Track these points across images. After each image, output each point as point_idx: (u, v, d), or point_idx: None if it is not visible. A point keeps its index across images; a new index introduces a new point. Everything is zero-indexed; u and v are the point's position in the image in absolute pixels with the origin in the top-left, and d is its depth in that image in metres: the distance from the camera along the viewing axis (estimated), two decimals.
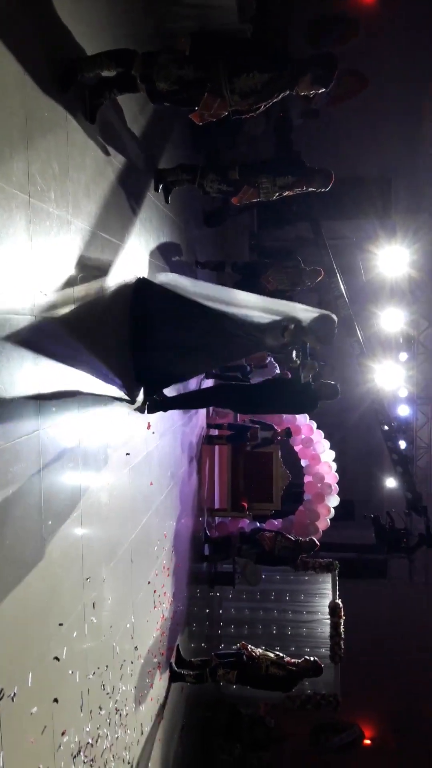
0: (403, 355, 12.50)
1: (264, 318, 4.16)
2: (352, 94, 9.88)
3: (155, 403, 4.75)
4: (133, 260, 4.38)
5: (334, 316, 4.33)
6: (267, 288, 7.42)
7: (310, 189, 5.21)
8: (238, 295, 4.57)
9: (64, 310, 3.09)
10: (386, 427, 11.02)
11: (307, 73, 3.36)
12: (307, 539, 7.76)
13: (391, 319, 11.65)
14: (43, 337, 2.84)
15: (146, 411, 4.67)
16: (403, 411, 12.35)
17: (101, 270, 3.67)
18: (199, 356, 4.44)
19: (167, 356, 4.33)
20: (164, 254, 5.34)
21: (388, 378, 11.17)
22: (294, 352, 4.63)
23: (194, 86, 3.33)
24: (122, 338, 4.07)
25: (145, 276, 4.41)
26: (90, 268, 3.45)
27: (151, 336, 4.23)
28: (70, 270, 3.16)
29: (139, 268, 4.58)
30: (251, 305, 4.32)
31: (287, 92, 3.46)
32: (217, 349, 4.42)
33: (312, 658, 6.11)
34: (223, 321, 4.14)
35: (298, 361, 4.71)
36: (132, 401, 4.31)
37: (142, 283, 4.36)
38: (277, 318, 4.15)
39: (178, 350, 4.31)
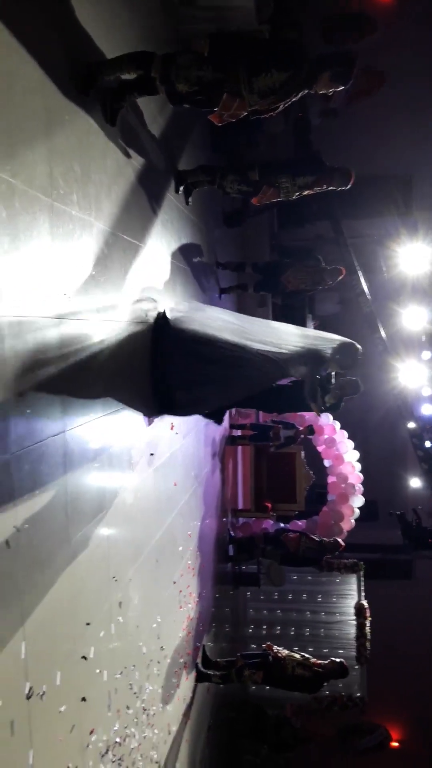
0: (426, 354, 12.35)
1: (283, 348, 4.19)
2: (370, 92, 9.82)
3: None
4: (154, 262, 4.40)
5: (358, 345, 4.34)
6: (287, 287, 7.41)
7: (330, 188, 5.20)
8: (255, 324, 4.58)
9: (88, 313, 3.11)
10: (412, 424, 10.90)
11: (325, 71, 3.36)
12: (332, 540, 7.72)
13: (414, 318, 11.52)
14: (67, 339, 2.87)
15: None
16: (427, 410, 12.21)
17: (123, 272, 3.69)
18: (220, 389, 4.41)
19: (188, 389, 4.31)
20: (185, 255, 5.37)
21: (412, 376, 11.05)
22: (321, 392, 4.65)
23: (213, 87, 3.34)
24: (143, 363, 4.09)
25: (165, 312, 4.37)
26: (112, 270, 3.47)
27: (172, 371, 4.23)
28: (93, 272, 3.18)
29: (161, 269, 4.61)
30: (269, 334, 4.33)
31: (306, 91, 3.45)
32: (240, 381, 4.39)
33: (338, 660, 6.08)
34: (244, 354, 4.14)
35: (326, 401, 4.69)
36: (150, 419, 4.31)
37: (161, 321, 4.32)
38: (297, 349, 4.19)
39: (199, 383, 4.30)
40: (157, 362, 4.18)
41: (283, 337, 4.35)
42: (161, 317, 4.31)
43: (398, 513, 10.79)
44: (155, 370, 4.18)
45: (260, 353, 4.12)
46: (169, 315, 4.32)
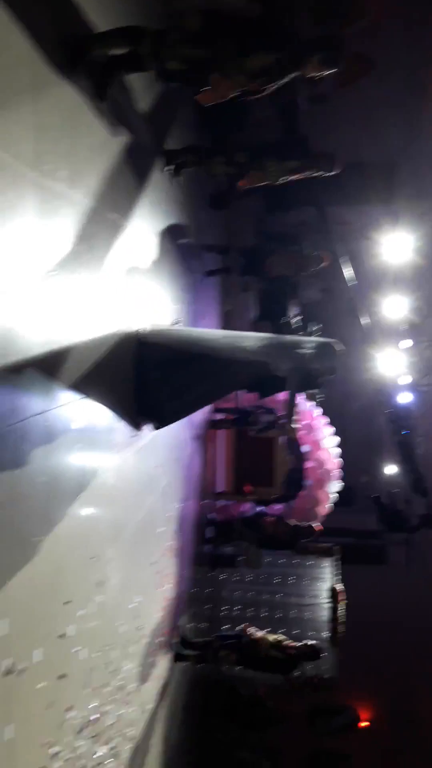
0: (405, 343, 12.48)
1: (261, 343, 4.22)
2: (358, 78, 9.77)
3: None
4: (140, 241, 4.37)
5: (339, 345, 4.22)
6: (272, 273, 7.41)
7: (317, 173, 5.19)
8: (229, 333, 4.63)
9: (73, 290, 3.08)
10: (389, 410, 11.07)
11: (315, 54, 3.34)
12: (306, 525, 7.80)
13: (394, 307, 11.61)
14: (52, 317, 2.84)
15: None
16: (403, 398, 12.36)
17: (111, 250, 3.66)
18: (205, 385, 4.40)
19: (172, 392, 4.31)
20: (171, 236, 5.33)
21: (390, 365, 11.16)
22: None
23: (203, 66, 3.30)
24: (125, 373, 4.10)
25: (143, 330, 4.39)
26: (99, 249, 3.44)
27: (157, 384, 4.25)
28: (79, 249, 3.15)
29: (148, 249, 4.57)
30: (251, 339, 4.35)
31: (295, 73, 3.43)
32: (223, 378, 4.39)
33: (311, 642, 6.18)
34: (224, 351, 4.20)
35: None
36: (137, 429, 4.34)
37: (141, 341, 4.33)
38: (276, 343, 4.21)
39: (183, 385, 4.30)
40: (142, 377, 4.21)
41: (258, 338, 4.37)
42: (139, 335, 4.30)
43: (374, 496, 10.99)
44: (139, 381, 4.21)
45: (240, 348, 4.15)
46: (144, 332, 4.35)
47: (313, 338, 4.32)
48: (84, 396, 3.27)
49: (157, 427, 4.46)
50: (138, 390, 4.22)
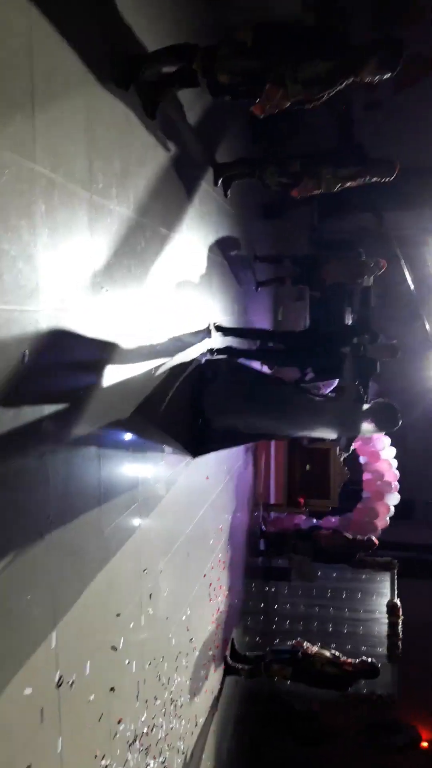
0: None
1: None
2: (416, 80, 9.55)
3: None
4: (191, 255, 4.39)
5: (395, 405, 4.35)
6: (326, 281, 7.29)
7: (374, 179, 5.08)
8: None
9: (127, 303, 3.12)
10: None
11: (372, 56, 3.25)
12: (365, 537, 7.62)
13: None
14: (106, 329, 2.88)
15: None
16: None
17: (162, 265, 3.69)
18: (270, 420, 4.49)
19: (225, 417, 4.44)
20: (222, 248, 5.33)
21: None
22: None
23: (256, 78, 3.28)
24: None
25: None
26: (150, 264, 3.47)
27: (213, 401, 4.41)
28: (131, 265, 3.19)
29: (198, 262, 4.59)
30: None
31: (351, 79, 3.36)
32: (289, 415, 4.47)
33: (369, 659, 6.01)
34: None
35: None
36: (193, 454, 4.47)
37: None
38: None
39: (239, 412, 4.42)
40: (201, 396, 4.35)
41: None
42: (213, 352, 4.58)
43: None
44: (196, 402, 4.34)
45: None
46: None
47: (374, 405, 4.37)
48: (138, 418, 3.30)
49: (194, 455, 4.53)
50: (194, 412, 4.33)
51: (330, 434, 4.52)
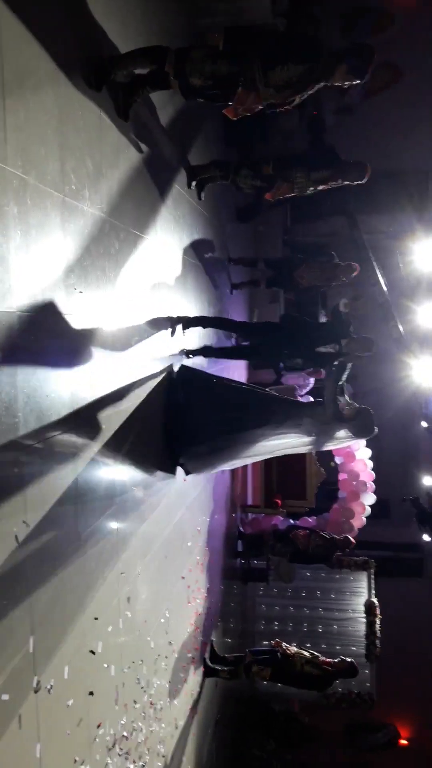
0: None
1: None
2: (386, 86, 9.72)
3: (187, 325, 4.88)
4: (165, 258, 4.39)
5: (370, 411, 4.45)
6: (300, 284, 7.36)
7: (346, 182, 5.14)
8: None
9: (99, 307, 3.11)
10: (425, 423, 10.85)
11: (342, 63, 3.30)
12: (342, 537, 7.68)
13: (429, 315, 11.42)
14: (79, 331, 2.87)
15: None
16: None
17: (136, 267, 3.69)
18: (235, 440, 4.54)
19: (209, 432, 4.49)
20: (197, 251, 5.35)
21: (426, 374, 10.96)
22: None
23: (228, 81, 3.30)
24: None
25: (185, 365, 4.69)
26: (124, 266, 3.47)
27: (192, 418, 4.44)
28: (105, 267, 3.18)
29: (173, 265, 4.60)
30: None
31: (322, 84, 3.40)
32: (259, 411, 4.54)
33: (348, 659, 6.06)
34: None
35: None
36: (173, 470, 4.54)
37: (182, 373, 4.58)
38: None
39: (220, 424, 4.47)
40: (174, 415, 4.36)
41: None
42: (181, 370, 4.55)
43: (412, 498, 10.70)
44: (170, 422, 4.36)
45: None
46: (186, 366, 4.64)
47: (349, 413, 4.42)
48: (113, 422, 3.29)
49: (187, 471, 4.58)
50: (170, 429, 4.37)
51: (304, 449, 4.65)
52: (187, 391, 4.41)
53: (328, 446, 4.80)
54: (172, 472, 4.57)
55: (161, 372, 4.26)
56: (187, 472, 4.64)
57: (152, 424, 4.07)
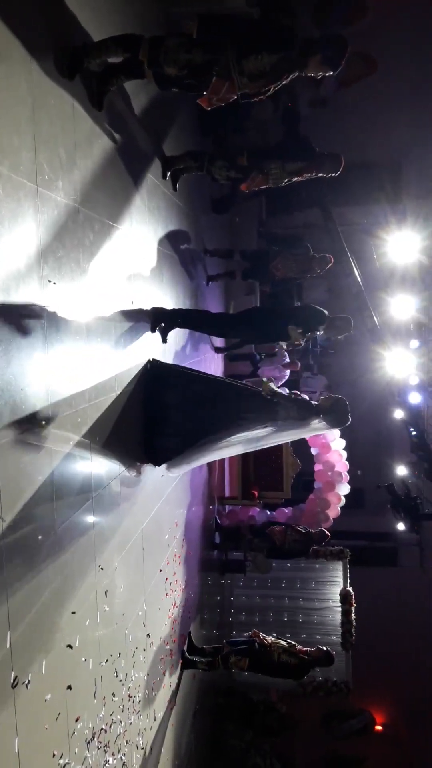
0: (414, 343, 12.40)
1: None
2: (360, 78, 9.73)
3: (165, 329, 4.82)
4: (140, 249, 4.36)
5: (345, 401, 4.44)
6: (276, 275, 7.38)
7: (320, 174, 5.16)
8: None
9: (73, 299, 3.07)
10: (401, 413, 10.99)
11: (316, 53, 3.30)
12: (318, 531, 7.74)
13: (402, 306, 11.55)
14: (54, 324, 2.83)
15: (162, 340, 4.80)
16: (414, 399, 12.27)
17: (111, 259, 3.65)
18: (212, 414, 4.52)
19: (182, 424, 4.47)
20: (172, 242, 5.32)
21: (399, 365, 11.09)
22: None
23: (202, 70, 3.27)
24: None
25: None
26: (99, 257, 3.43)
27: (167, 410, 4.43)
28: (79, 258, 3.14)
29: (148, 256, 4.56)
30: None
31: (296, 73, 3.40)
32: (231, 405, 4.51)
33: (324, 648, 6.13)
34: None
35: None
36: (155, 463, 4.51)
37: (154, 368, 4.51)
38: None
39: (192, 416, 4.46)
40: (149, 411, 4.33)
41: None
42: (152, 364, 4.48)
43: (387, 485, 10.84)
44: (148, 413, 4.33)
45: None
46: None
47: (324, 402, 4.43)
48: (88, 415, 3.27)
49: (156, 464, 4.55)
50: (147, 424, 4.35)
51: (281, 441, 4.71)
52: (159, 388, 4.38)
53: (303, 435, 4.81)
54: (155, 465, 4.55)
55: (138, 365, 4.24)
56: (166, 467, 4.62)
57: (130, 418, 4.04)
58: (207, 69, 3.24)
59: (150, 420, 4.36)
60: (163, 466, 4.55)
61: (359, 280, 10.02)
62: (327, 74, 3.44)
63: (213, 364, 7.92)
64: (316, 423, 4.40)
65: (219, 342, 8.11)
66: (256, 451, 8.44)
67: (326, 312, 5.02)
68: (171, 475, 4.78)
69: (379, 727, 12.14)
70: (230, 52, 3.18)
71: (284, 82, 3.43)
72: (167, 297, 5.15)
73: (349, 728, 10.90)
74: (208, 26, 3.26)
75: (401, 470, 12.42)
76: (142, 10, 4.39)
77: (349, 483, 9.36)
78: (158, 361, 4.60)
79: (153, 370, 4.45)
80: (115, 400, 3.74)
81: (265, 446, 4.76)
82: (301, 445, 9.45)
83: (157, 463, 4.52)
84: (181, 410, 4.43)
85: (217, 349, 8.12)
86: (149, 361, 4.48)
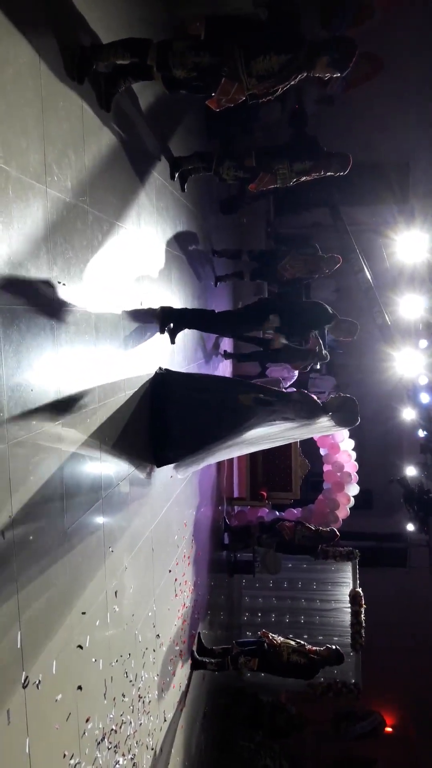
0: (423, 342, 12.36)
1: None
2: (367, 79, 9.72)
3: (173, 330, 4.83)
4: (149, 250, 4.37)
5: (355, 400, 4.45)
6: (284, 276, 7.36)
7: (328, 174, 5.14)
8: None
9: (84, 299, 3.08)
10: (411, 412, 10.96)
11: (324, 55, 3.30)
12: (327, 529, 7.74)
13: (411, 306, 11.51)
14: (64, 325, 2.84)
15: (171, 341, 4.82)
16: (423, 399, 12.22)
17: (120, 259, 3.66)
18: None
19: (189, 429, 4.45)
20: (181, 243, 5.32)
21: (408, 365, 11.05)
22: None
23: (211, 72, 3.28)
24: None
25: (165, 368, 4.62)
26: (108, 258, 3.44)
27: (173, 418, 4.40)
28: (88, 259, 3.15)
29: (157, 257, 4.57)
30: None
31: (304, 74, 3.40)
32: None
33: (334, 647, 6.12)
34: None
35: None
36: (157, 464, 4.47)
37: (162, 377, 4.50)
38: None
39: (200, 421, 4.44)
40: (158, 413, 4.32)
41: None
42: (161, 372, 4.48)
43: (398, 478, 10.80)
44: (155, 420, 4.31)
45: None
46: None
47: (333, 401, 4.42)
48: (98, 415, 3.27)
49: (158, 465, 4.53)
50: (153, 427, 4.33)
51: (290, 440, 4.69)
52: (168, 393, 4.37)
53: (312, 435, 4.79)
54: (157, 467, 4.55)
55: (147, 367, 4.24)
56: (172, 466, 4.61)
57: (139, 420, 4.04)
58: (215, 71, 3.25)
59: (157, 423, 4.35)
60: (171, 466, 4.54)
61: (369, 276, 9.99)
62: (334, 75, 3.44)
63: (221, 365, 7.92)
64: (324, 422, 4.38)
65: (228, 346, 8.06)
66: (264, 451, 8.52)
67: (331, 311, 5.02)
68: (179, 476, 4.78)
69: (389, 729, 12.08)
70: (238, 53, 3.19)
71: (292, 83, 3.43)
72: (176, 298, 5.15)
73: (359, 730, 10.84)
74: (216, 28, 3.27)
75: (410, 471, 12.37)
76: (149, 11, 4.40)
77: (358, 483, 9.34)
78: (167, 369, 4.59)
79: (161, 377, 4.45)
80: (126, 403, 3.75)
81: (274, 445, 4.74)
82: (310, 446, 9.44)
83: (164, 464, 4.52)
84: (189, 414, 4.42)
85: (226, 354, 8.08)
86: (159, 368, 4.48)
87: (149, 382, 4.25)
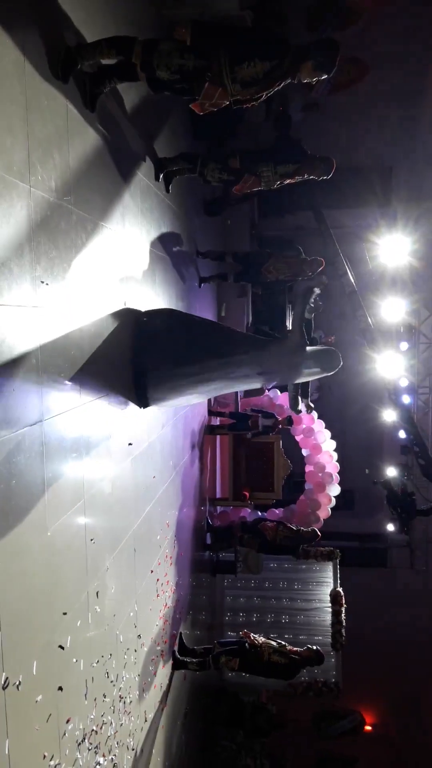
0: (404, 345, 12.48)
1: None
2: (353, 82, 9.79)
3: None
4: (133, 250, 4.37)
5: (338, 353, 4.53)
6: (268, 278, 7.40)
7: (311, 177, 5.18)
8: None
9: (66, 301, 3.08)
10: (392, 413, 11.04)
11: (308, 59, 3.32)
12: (309, 529, 7.79)
13: (392, 309, 11.62)
14: (45, 327, 2.84)
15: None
16: (405, 400, 12.34)
17: (104, 260, 3.66)
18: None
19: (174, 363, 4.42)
20: (165, 244, 5.33)
21: (389, 367, 11.15)
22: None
23: (195, 75, 3.29)
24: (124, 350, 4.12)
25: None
26: (90, 258, 3.44)
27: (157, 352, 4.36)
28: (71, 259, 3.15)
29: (141, 258, 4.57)
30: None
31: (289, 80, 3.42)
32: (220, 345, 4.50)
33: (314, 647, 6.15)
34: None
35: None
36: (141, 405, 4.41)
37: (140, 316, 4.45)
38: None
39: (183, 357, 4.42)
40: (139, 351, 4.26)
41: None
42: (140, 314, 4.41)
43: (382, 480, 10.86)
44: (136, 358, 4.25)
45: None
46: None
47: (315, 350, 4.46)
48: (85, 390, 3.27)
49: (143, 406, 4.46)
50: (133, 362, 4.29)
51: (271, 378, 4.65)
52: (152, 328, 4.38)
53: (296, 379, 4.74)
54: (140, 405, 4.45)
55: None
56: (147, 405, 4.51)
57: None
58: (199, 75, 3.26)
59: (140, 359, 4.33)
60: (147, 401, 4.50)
61: (352, 280, 10.06)
62: (321, 78, 3.46)
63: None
64: (310, 365, 4.46)
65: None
66: (247, 452, 8.55)
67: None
68: (155, 407, 4.67)
69: (368, 728, 12.18)
70: (223, 58, 3.20)
71: (277, 89, 3.45)
72: (159, 298, 5.16)
73: (339, 728, 10.92)
74: (202, 32, 3.27)
75: (391, 471, 12.48)
76: (136, 13, 4.41)
77: (339, 484, 9.40)
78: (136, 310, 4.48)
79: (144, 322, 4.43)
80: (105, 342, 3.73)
81: (252, 387, 4.74)
82: (292, 447, 9.50)
83: (144, 396, 4.45)
84: (171, 346, 4.42)
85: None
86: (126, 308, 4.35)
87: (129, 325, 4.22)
